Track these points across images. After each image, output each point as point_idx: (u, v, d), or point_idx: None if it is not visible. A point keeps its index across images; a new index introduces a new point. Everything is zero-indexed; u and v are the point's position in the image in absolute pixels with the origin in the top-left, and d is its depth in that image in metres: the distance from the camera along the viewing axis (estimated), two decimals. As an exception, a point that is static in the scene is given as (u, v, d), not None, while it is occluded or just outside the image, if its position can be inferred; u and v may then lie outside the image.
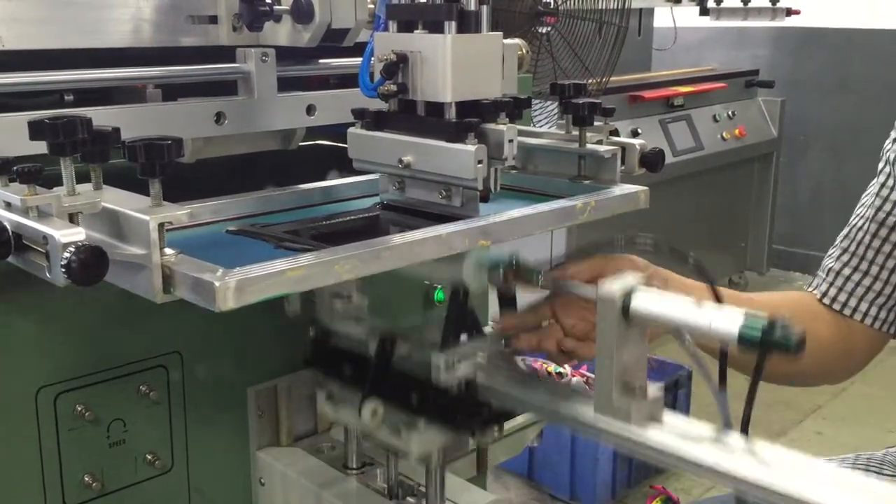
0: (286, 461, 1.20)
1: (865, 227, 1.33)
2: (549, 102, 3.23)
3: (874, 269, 1.31)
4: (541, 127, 2.81)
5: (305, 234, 1.00)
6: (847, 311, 1.33)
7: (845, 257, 1.34)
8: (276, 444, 1.23)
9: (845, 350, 1.34)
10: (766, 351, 0.75)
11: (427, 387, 0.99)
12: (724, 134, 4.22)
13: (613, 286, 0.83)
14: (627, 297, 0.83)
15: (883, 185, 1.32)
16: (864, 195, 1.37)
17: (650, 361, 0.94)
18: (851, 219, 1.37)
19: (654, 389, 0.86)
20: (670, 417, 0.85)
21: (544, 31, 2.65)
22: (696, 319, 0.80)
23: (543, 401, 0.95)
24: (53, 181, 0.77)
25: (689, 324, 0.81)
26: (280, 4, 1.09)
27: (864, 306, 1.32)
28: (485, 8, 0.97)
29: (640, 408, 0.85)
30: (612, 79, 3.14)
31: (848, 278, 1.33)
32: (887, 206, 1.30)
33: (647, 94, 3.86)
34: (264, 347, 1.22)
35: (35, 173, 0.73)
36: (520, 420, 1.28)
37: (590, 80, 2.81)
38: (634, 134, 3.70)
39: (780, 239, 4.88)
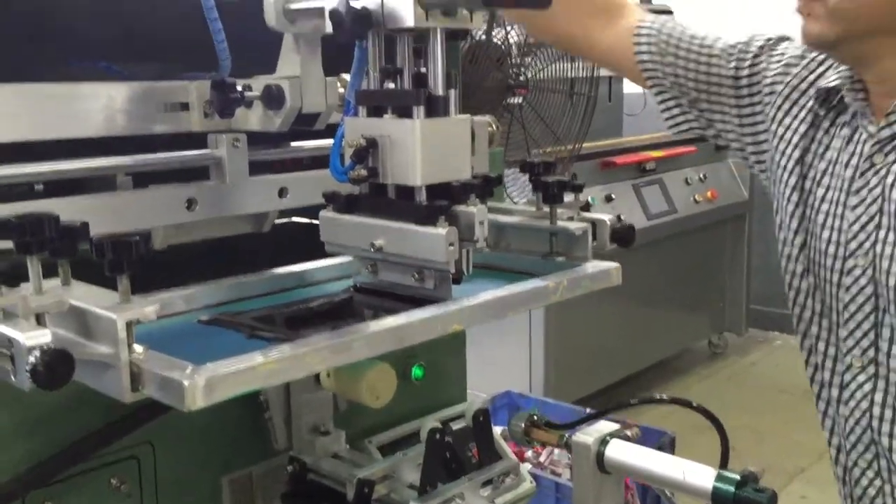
0: (262, 551, 1.17)
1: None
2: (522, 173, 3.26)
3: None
4: (515, 195, 2.83)
5: (279, 319, 1.00)
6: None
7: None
8: (252, 533, 1.20)
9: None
10: None
11: None
12: (696, 196, 4.28)
13: (588, 436, 0.86)
14: (602, 446, 0.85)
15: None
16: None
17: (633, 428, 0.94)
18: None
19: None
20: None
21: (516, 102, 2.69)
22: (669, 472, 0.82)
23: None
24: (24, 271, 0.76)
25: (663, 476, 0.83)
26: (251, 91, 1.10)
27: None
28: (453, 92, 0.98)
29: None
30: (585, 145, 3.18)
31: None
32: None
33: (620, 159, 3.91)
34: (239, 434, 1.20)
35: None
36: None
37: (562, 149, 2.85)
38: (608, 199, 3.73)
39: (757, 299, 4.91)
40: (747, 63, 1.41)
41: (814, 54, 1.36)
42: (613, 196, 3.79)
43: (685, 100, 1.47)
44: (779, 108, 1.37)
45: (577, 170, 3.05)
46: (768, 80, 1.39)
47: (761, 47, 1.42)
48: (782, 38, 1.44)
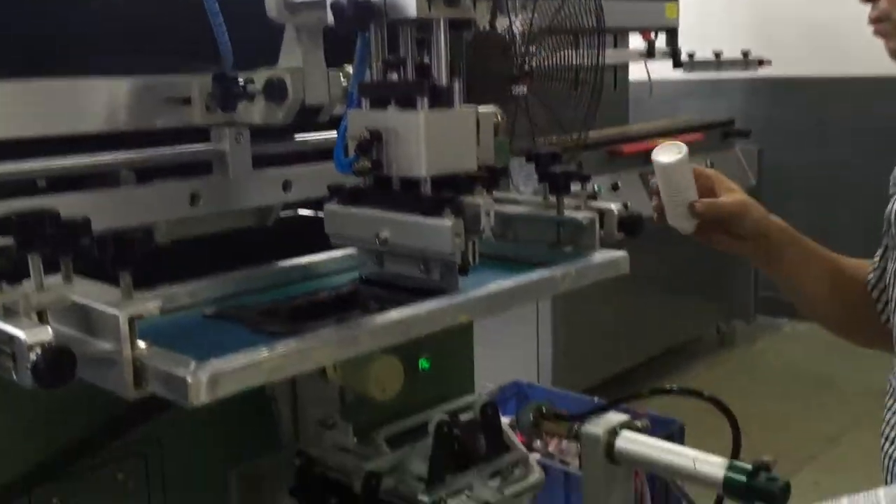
0: (271, 545, 1.17)
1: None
2: (529, 161, 3.24)
3: None
4: (521, 186, 2.82)
5: (284, 313, 0.99)
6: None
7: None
8: (260, 528, 1.19)
9: None
10: (751, 498, 0.77)
11: None
12: (704, 184, 4.25)
13: (597, 427, 0.85)
14: (612, 437, 0.85)
15: None
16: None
17: (644, 416, 0.94)
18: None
19: None
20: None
21: (520, 91, 2.67)
22: (680, 463, 0.81)
23: None
24: (26, 268, 0.76)
25: (673, 466, 0.82)
26: (253, 84, 1.09)
27: None
28: (457, 82, 0.97)
29: None
30: (591, 133, 3.16)
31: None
32: None
33: (627, 147, 3.89)
34: (246, 428, 1.19)
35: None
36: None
37: (567, 138, 2.83)
38: (615, 188, 3.71)
39: (766, 285, 4.88)
40: None
41: None
42: (620, 184, 3.76)
43: None
44: None
45: (584, 158, 3.03)
46: None
47: None
48: None
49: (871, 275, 1.39)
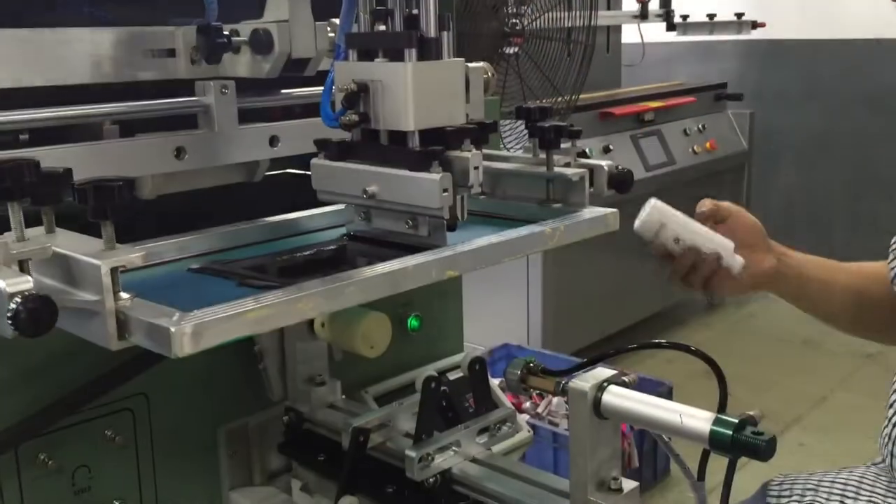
0: (260, 501, 1.17)
1: None
2: (518, 122, 3.23)
3: None
4: (511, 148, 2.80)
5: (271, 268, 0.98)
6: None
7: None
8: (248, 484, 1.20)
9: None
10: (736, 453, 0.77)
11: (403, 479, 0.99)
12: (695, 148, 4.24)
13: (585, 382, 0.85)
14: (599, 392, 0.84)
15: None
16: None
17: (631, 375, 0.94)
18: None
19: (630, 485, 0.88)
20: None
21: (511, 51, 2.65)
22: (667, 417, 0.81)
23: (520, 497, 0.95)
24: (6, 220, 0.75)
25: (660, 421, 0.82)
26: (238, 36, 1.07)
27: None
28: (446, 34, 0.95)
29: None
30: (583, 96, 3.14)
31: None
32: None
33: (618, 110, 3.87)
34: (234, 384, 1.19)
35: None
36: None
37: (559, 99, 2.81)
38: (606, 150, 3.70)
39: (755, 249, 4.89)
40: None
41: None
42: (611, 147, 3.75)
43: None
44: None
45: (575, 121, 3.01)
46: None
47: None
48: None
49: (894, 271, 1.38)
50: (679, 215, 1.19)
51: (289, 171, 1.40)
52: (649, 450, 2.91)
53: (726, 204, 1.30)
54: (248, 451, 1.19)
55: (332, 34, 1.09)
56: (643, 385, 0.86)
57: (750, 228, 1.31)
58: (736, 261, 1.19)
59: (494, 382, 1.28)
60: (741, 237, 1.25)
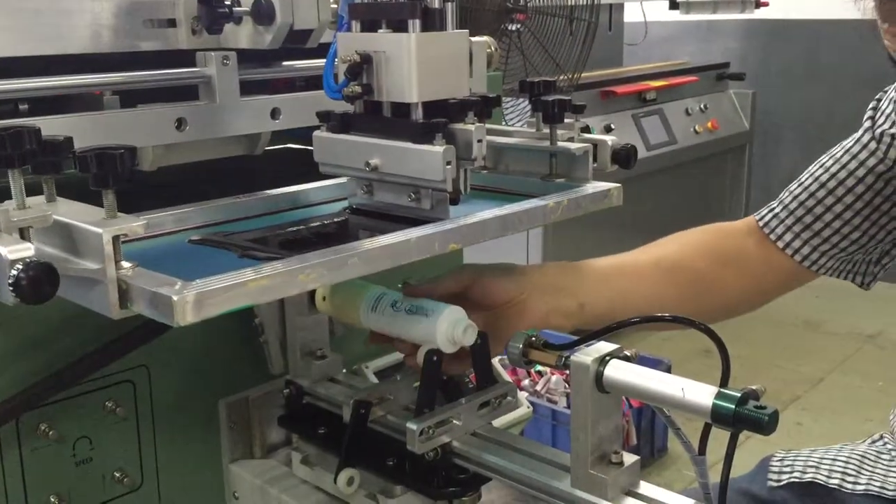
0: (260, 474, 1.17)
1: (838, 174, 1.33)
2: (520, 100, 3.22)
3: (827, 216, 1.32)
4: (512, 125, 2.79)
5: (272, 241, 0.98)
6: (779, 243, 1.35)
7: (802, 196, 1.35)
8: (249, 457, 1.20)
9: (763, 273, 1.37)
10: (738, 427, 0.77)
11: (404, 452, 0.99)
12: (696, 127, 4.23)
13: (587, 356, 0.85)
14: (601, 366, 0.84)
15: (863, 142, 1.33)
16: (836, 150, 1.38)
17: (633, 349, 0.94)
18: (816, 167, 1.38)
19: (630, 459, 0.87)
20: (647, 489, 0.87)
21: (514, 28, 2.63)
22: (669, 391, 0.81)
23: (520, 470, 0.94)
24: (7, 189, 0.74)
25: (662, 394, 0.82)
26: (240, 6, 1.06)
27: (796, 243, 1.34)
28: (450, 5, 0.94)
29: (617, 479, 0.86)
30: (584, 74, 3.13)
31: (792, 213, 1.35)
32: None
33: (620, 89, 3.86)
34: (235, 357, 1.19)
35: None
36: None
37: (561, 77, 2.80)
38: (608, 129, 3.69)
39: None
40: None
41: None
42: (613, 126, 3.74)
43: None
44: None
45: (577, 99, 3.00)
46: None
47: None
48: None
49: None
50: None
51: (290, 145, 1.40)
52: (647, 427, 2.92)
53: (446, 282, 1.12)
54: (248, 424, 1.19)
55: (334, 5, 1.08)
56: (642, 363, 0.86)
57: (498, 290, 1.15)
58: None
59: (495, 361, 1.28)
60: (491, 302, 1.14)
